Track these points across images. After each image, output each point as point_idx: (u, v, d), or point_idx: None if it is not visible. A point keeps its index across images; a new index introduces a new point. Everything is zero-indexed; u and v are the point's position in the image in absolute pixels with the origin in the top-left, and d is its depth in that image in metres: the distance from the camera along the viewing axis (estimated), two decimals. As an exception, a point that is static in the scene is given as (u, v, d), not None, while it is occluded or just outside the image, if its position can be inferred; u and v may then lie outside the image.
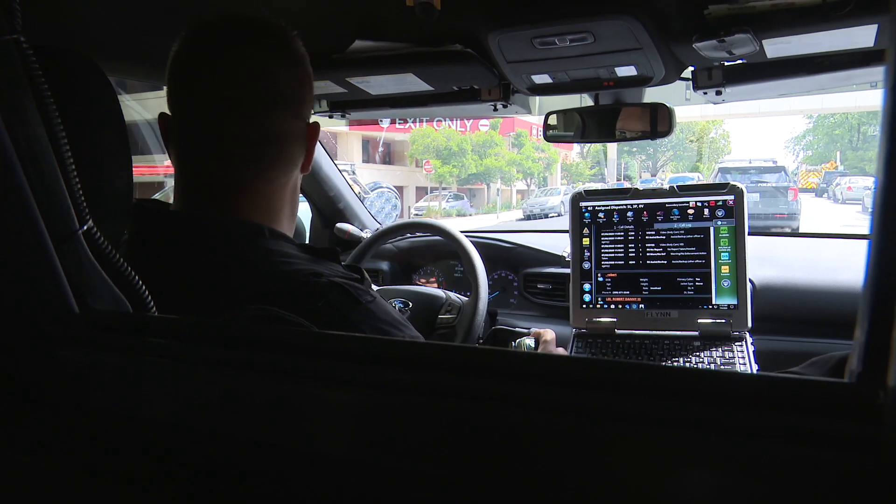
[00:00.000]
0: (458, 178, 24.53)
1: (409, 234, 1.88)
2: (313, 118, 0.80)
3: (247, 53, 0.71)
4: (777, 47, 1.01)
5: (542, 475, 0.34)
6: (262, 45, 0.72)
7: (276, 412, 0.42)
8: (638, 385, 0.31)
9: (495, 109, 1.35)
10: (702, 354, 1.30)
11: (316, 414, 0.41)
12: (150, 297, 0.54)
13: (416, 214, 20.06)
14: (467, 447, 0.36)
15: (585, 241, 1.44)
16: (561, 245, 1.73)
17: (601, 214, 1.43)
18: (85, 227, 0.48)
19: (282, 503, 0.42)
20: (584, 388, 0.33)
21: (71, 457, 0.48)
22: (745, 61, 1.09)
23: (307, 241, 2.04)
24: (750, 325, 1.32)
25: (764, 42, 0.98)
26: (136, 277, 0.52)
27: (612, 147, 24.37)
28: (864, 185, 21.45)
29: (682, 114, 1.38)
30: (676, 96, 1.35)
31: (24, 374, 0.48)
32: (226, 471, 0.44)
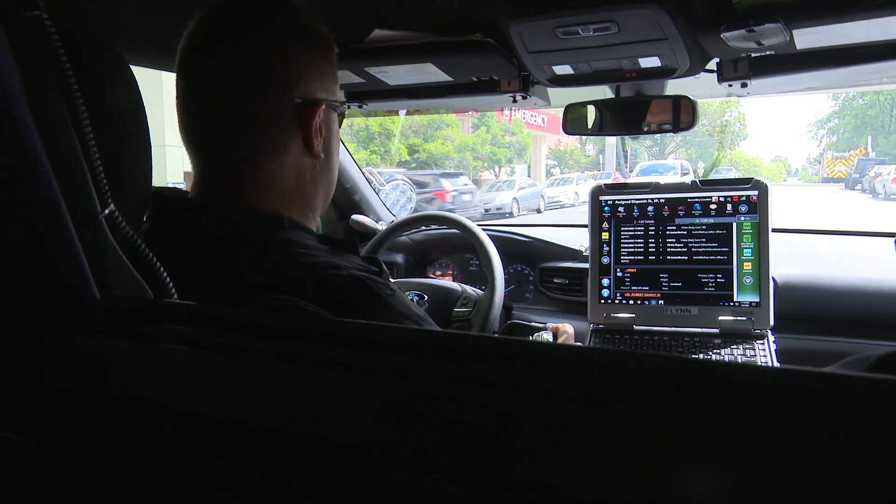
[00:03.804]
0: (391, 165, 17.95)
1: (424, 227, 1.87)
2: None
3: (224, 31, 0.70)
4: (807, 38, 0.98)
5: (566, 467, 0.32)
6: (239, 22, 0.70)
7: (297, 400, 0.41)
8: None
9: (514, 101, 1.34)
10: (722, 352, 1.28)
11: (335, 402, 0.40)
12: (171, 284, 0.53)
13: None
14: (486, 437, 0.35)
15: (605, 235, 1.42)
16: (578, 239, 1.71)
17: (621, 208, 1.41)
18: (107, 212, 0.47)
19: (299, 492, 0.41)
20: (609, 379, 0.31)
21: (90, 444, 0.48)
22: (773, 52, 1.07)
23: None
24: (772, 323, 1.30)
25: (794, 32, 0.95)
26: (158, 263, 0.52)
27: (610, 132, 21.97)
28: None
29: (693, 92, 1.34)
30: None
31: (44, 360, 0.48)
32: (244, 459, 0.43)
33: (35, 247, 0.45)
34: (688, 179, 1.41)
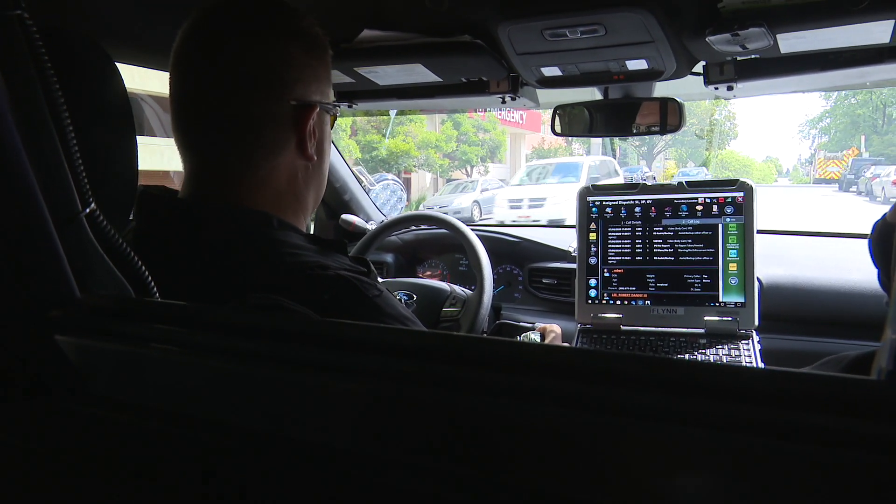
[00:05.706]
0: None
1: (414, 227, 1.87)
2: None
3: (225, 31, 0.70)
4: (791, 42, 0.99)
5: (554, 469, 0.33)
6: (240, 22, 0.70)
7: (280, 401, 0.41)
8: (654, 379, 0.30)
9: (503, 102, 1.34)
10: (707, 352, 1.29)
11: (319, 404, 0.40)
12: (153, 283, 0.53)
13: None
14: (473, 439, 0.35)
15: (592, 236, 1.43)
16: (566, 240, 1.72)
17: (609, 209, 1.42)
18: (87, 210, 0.47)
19: (281, 494, 0.41)
20: (597, 381, 0.32)
21: (70, 444, 0.48)
22: (757, 56, 1.08)
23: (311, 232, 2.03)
24: (757, 323, 1.31)
25: (778, 36, 0.96)
26: (139, 262, 0.52)
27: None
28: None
29: (681, 93, 1.35)
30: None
31: (24, 359, 0.48)
32: (227, 460, 0.43)
33: (14, 245, 0.45)
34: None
